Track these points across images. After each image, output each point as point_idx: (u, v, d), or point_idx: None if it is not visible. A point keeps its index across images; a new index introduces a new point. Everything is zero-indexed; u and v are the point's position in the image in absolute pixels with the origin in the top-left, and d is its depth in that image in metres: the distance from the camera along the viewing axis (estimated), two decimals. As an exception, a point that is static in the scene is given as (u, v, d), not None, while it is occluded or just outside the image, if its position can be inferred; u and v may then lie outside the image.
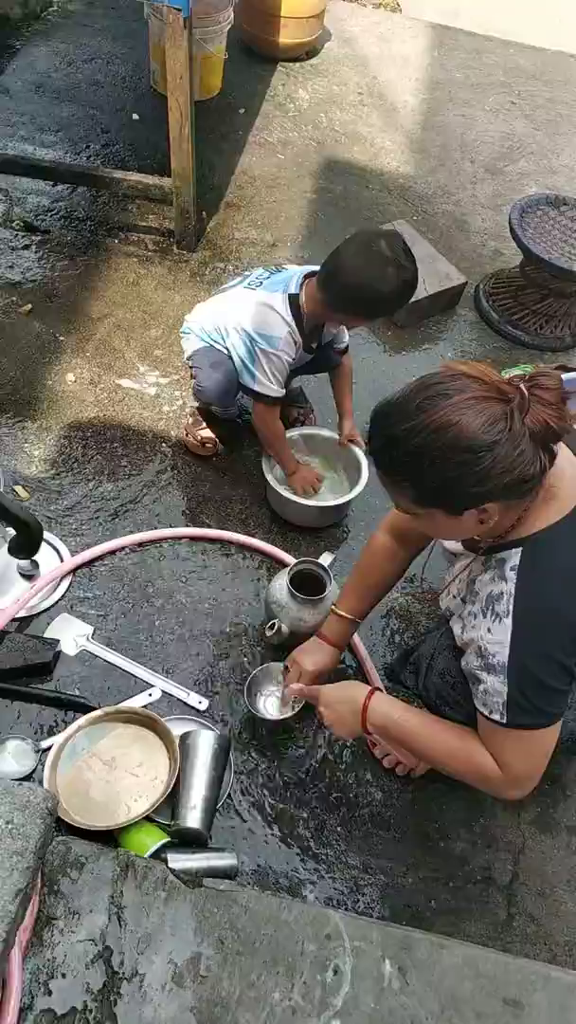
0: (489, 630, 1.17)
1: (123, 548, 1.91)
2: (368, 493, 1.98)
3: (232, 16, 3.06)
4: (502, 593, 1.16)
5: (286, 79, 3.47)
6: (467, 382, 1.07)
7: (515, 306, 2.61)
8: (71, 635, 1.74)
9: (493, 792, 1.29)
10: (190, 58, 2.20)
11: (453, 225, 3.01)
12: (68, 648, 1.72)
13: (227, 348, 1.89)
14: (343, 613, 1.60)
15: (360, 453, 2.02)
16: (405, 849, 1.62)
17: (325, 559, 1.76)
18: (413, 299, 2.46)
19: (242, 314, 1.83)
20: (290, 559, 1.93)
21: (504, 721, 1.18)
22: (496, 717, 1.19)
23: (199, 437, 2.10)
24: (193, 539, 1.97)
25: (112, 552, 1.90)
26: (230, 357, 1.90)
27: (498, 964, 1.31)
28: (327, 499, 2.01)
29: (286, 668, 1.64)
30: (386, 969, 1.27)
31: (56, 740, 1.56)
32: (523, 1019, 1.26)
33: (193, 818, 1.48)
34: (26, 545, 1.64)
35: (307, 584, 1.72)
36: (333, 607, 1.62)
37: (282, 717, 1.62)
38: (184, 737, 1.56)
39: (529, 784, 1.25)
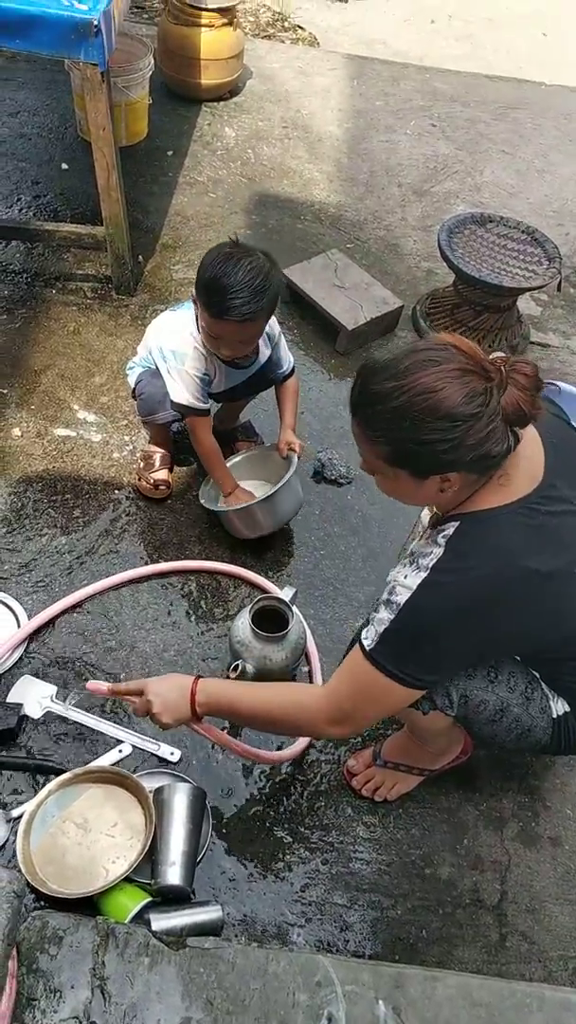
0: (405, 576, 1.21)
1: (80, 604, 1.88)
2: (316, 519, 1.97)
3: (152, 62, 3.10)
4: (430, 553, 1.21)
5: (211, 118, 3.52)
6: (455, 353, 1.14)
7: (452, 324, 2.66)
8: (34, 697, 1.70)
9: (307, 722, 1.33)
10: (111, 109, 2.22)
11: (386, 250, 3.06)
12: (32, 711, 1.68)
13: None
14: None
15: (295, 459, 2.01)
16: (391, 880, 1.60)
17: (286, 593, 1.76)
18: (352, 325, 2.54)
19: (160, 334, 1.92)
20: (259, 579, 1.95)
21: (369, 647, 1.21)
22: (366, 641, 1.22)
23: (152, 480, 2.09)
24: (151, 577, 1.97)
25: (71, 608, 1.87)
26: None
27: (492, 991, 1.30)
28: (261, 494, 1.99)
29: None
30: (380, 1011, 1.25)
31: (27, 807, 1.52)
32: (521, 1045, 1.25)
33: (173, 874, 1.45)
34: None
35: (270, 621, 1.71)
36: None
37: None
38: (158, 792, 1.53)
39: (345, 723, 1.28)
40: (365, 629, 1.25)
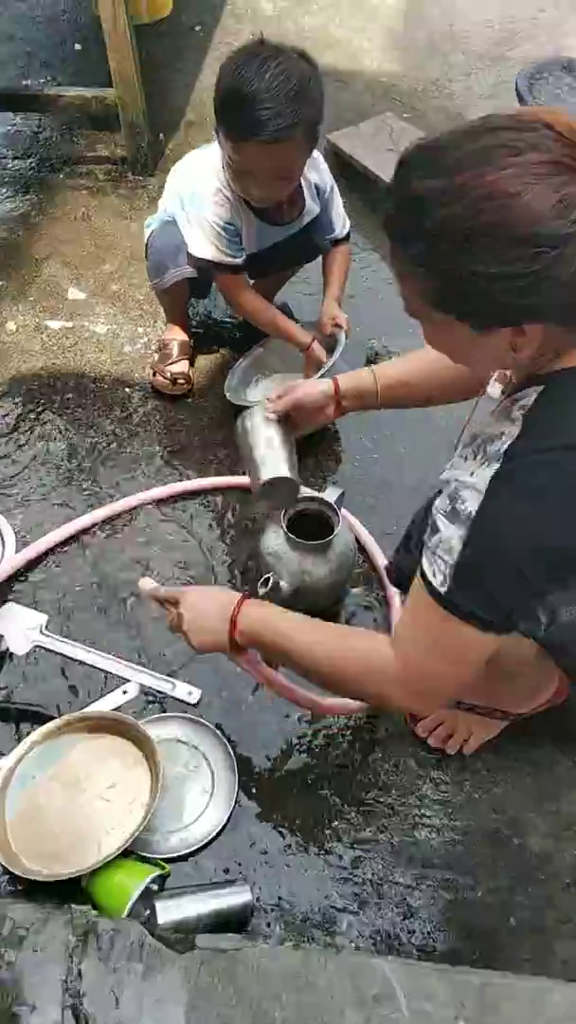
0: (472, 473, 0.90)
1: (87, 530, 1.58)
2: (367, 417, 1.62)
3: None
4: (501, 434, 0.89)
5: (245, -12, 3.12)
6: (548, 138, 0.78)
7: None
8: (19, 628, 1.43)
9: (375, 691, 1.05)
10: None
11: (448, 120, 2.65)
12: (17, 645, 1.41)
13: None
14: (373, 368, 1.32)
15: (342, 337, 1.69)
16: (469, 854, 1.29)
17: (331, 495, 1.41)
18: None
19: (178, 174, 1.67)
20: None
21: (443, 590, 0.92)
22: (437, 580, 0.93)
23: (169, 374, 1.79)
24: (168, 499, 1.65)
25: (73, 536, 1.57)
26: None
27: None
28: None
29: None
30: (461, 1040, 0.91)
31: (3, 763, 1.24)
32: None
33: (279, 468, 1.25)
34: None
35: (310, 528, 1.39)
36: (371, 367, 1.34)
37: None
38: (241, 421, 1.31)
39: (419, 687, 1.01)
40: (428, 559, 0.95)
